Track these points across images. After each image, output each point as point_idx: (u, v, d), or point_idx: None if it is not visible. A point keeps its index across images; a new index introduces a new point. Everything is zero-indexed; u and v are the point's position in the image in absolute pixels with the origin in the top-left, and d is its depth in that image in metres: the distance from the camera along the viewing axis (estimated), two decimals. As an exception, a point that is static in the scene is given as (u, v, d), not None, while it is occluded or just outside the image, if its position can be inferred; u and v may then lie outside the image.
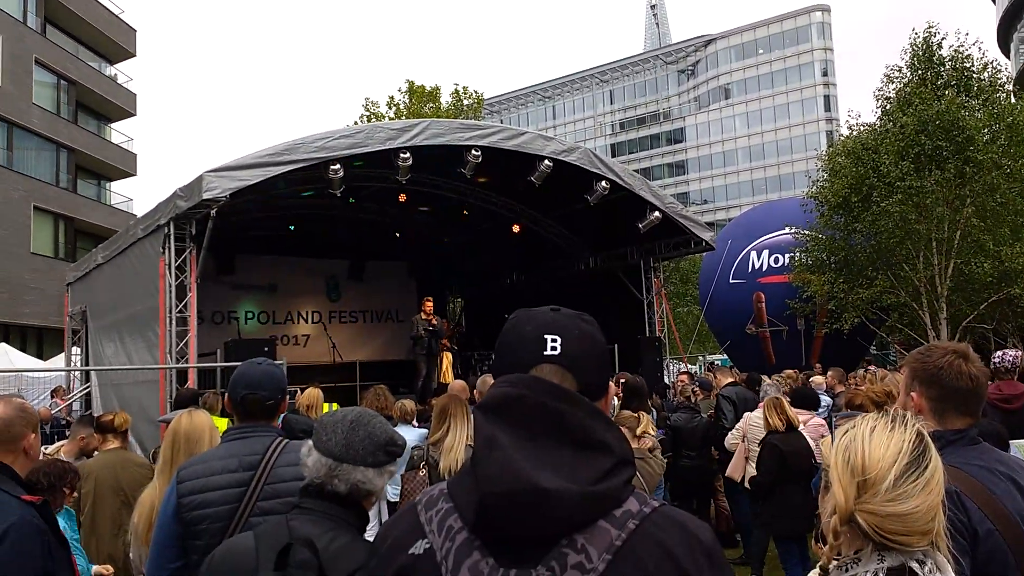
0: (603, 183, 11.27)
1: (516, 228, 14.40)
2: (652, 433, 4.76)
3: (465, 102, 28.83)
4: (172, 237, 9.06)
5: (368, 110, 28.40)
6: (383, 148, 9.52)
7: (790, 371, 10.45)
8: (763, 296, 19.17)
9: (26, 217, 25.46)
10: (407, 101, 27.90)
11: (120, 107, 31.83)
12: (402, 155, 9.73)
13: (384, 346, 16.86)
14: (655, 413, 7.30)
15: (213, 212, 8.69)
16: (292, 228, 14.44)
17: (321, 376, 12.84)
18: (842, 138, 18.08)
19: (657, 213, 11.88)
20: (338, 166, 9.30)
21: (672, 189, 69.36)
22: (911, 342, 16.85)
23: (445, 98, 28.87)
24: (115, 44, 31.22)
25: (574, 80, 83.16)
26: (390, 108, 28.13)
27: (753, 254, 19.65)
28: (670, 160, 76.78)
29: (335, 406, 8.02)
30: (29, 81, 25.97)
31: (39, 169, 26.74)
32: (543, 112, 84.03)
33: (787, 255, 18.55)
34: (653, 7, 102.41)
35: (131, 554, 3.00)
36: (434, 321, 12.57)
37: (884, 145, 15.21)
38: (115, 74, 32.46)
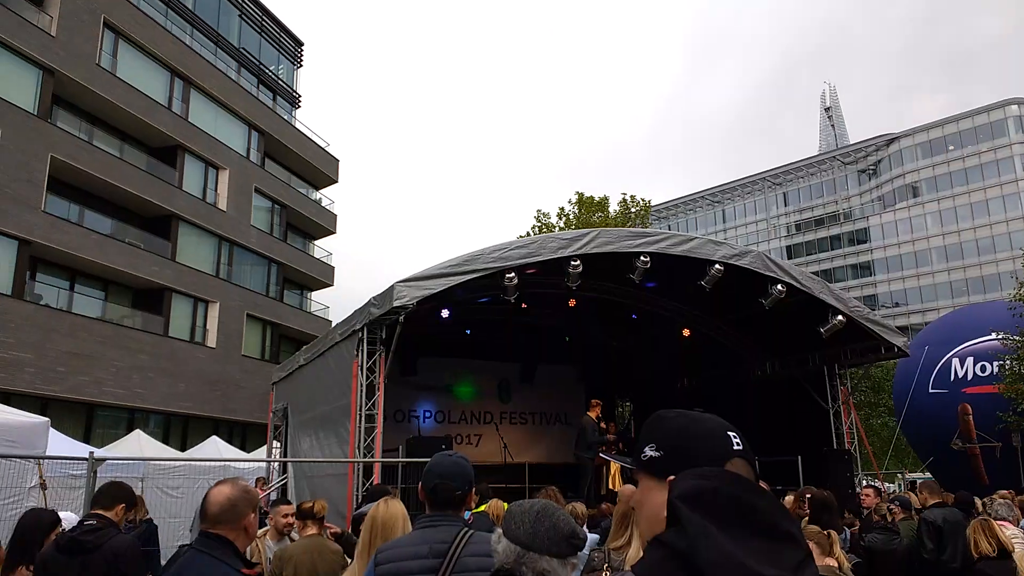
0: (779, 286, 10.95)
1: (686, 332, 14.22)
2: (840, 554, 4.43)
3: (632, 210, 29.40)
4: (365, 341, 9.89)
5: (539, 220, 29.72)
6: (554, 257, 9.96)
7: (1005, 491, 9.23)
8: (969, 408, 17.22)
9: (240, 324, 28.72)
10: (576, 211, 28.94)
11: (323, 226, 35.63)
12: (572, 263, 10.11)
13: (552, 449, 16.93)
14: (847, 532, 6.72)
15: (401, 318, 9.44)
16: (468, 332, 15.18)
17: (492, 475, 13.07)
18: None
19: (840, 317, 11.29)
20: (513, 274, 9.83)
21: (858, 291, 65.12)
22: None
23: (613, 207, 29.64)
24: (321, 173, 35.37)
25: (744, 184, 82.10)
26: (560, 218, 29.26)
27: (955, 361, 17.86)
28: (853, 261, 72.60)
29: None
30: (249, 207, 29.91)
31: (253, 281, 30.28)
32: (712, 216, 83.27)
33: (995, 363, 16.69)
34: (828, 110, 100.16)
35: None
36: (603, 427, 12.53)
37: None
38: (320, 198, 36.57)
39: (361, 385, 9.88)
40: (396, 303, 9.03)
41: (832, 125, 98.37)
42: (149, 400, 24.21)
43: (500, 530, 1.91)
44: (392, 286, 9.16)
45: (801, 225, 77.75)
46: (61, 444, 9.88)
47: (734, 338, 14.23)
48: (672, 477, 1.27)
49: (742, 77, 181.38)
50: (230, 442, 22.65)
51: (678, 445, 1.32)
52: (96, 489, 4.01)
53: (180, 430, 25.82)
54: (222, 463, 15.48)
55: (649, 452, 1.37)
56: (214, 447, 18.78)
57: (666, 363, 16.35)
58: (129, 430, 22.34)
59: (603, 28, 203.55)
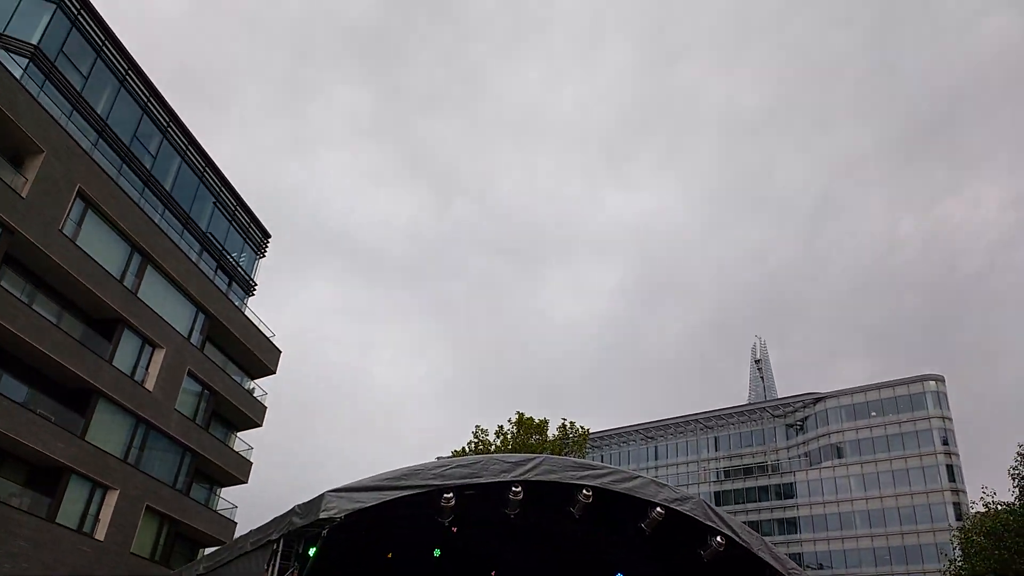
0: (718, 538, 10.70)
1: (619, 575, 13.51)
2: None
3: (571, 436, 29.34)
4: (279, 555, 9.08)
5: (477, 437, 29.28)
6: (497, 480, 9.64)
7: None
8: None
9: (136, 516, 26.31)
10: (515, 432, 28.71)
11: (250, 418, 34.24)
12: (514, 489, 9.78)
13: None
14: None
15: (324, 532, 8.76)
16: (390, 556, 14.12)
17: None
18: (977, 515, 16.74)
19: (778, 577, 10.96)
20: (451, 495, 9.40)
21: (784, 548, 64.21)
22: None
23: (552, 431, 29.56)
24: (260, 362, 34.72)
25: (678, 423, 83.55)
26: (498, 437, 28.91)
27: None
28: (780, 516, 72.50)
29: None
30: (177, 390, 28.72)
31: (161, 470, 28.23)
32: (645, 452, 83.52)
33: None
34: (758, 362, 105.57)
35: None
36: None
37: (1029, 526, 13.93)
38: (253, 387, 35.53)
39: (265, 604, 8.91)
40: (323, 515, 8.42)
41: (761, 377, 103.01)
42: (13, 594, 21.29)
43: None
44: (322, 495, 8.61)
45: (730, 472, 78.31)
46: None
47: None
48: None
49: (682, 320, 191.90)
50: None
51: None
52: None
53: (39, 634, 22.50)
54: None
55: None
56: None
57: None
58: (-22, 628, 19.40)
59: (554, 256, 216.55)
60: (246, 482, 34.25)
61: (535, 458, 10.22)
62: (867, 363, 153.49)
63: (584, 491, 10.14)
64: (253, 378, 35.75)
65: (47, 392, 24.05)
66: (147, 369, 27.47)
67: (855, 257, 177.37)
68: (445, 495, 9.40)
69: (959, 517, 58.67)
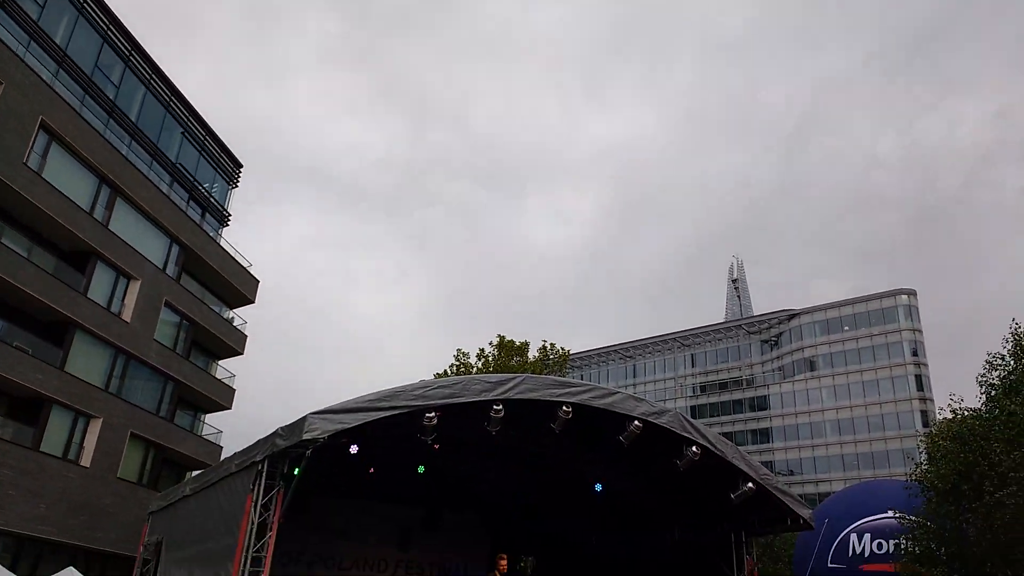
0: (693, 448, 11.02)
1: (599, 487, 13.98)
2: None
3: (551, 357, 29.80)
4: (264, 475, 9.24)
5: (459, 360, 29.63)
6: (478, 399, 9.79)
7: None
8: (868, 585, 17.38)
9: (122, 443, 26.57)
10: (496, 354, 29.07)
11: (230, 346, 34.25)
12: (495, 407, 9.95)
13: (452, 606, 15.88)
14: None
15: (308, 453, 8.90)
16: (372, 471, 14.45)
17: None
18: (944, 420, 17.39)
19: (751, 484, 11.37)
20: (433, 414, 9.55)
21: (756, 457, 66.41)
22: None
23: (532, 353, 29.97)
24: (239, 292, 34.48)
25: (656, 342, 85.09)
26: (479, 359, 29.29)
27: (854, 537, 18.17)
28: (754, 427, 75.02)
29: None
30: (155, 320, 28.58)
31: (144, 398, 28.37)
32: (624, 370, 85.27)
33: (892, 541, 17.07)
34: (735, 281, 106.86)
35: None
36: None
37: (993, 432, 14.50)
38: (232, 317, 35.42)
39: (252, 523, 9.13)
40: (306, 436, 8.54)
41: (738, 296, 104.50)
42: (3, 520, 21.64)
43: None
44: (304, 417, 8.70)
45: (706, 387, 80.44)
46: None
47: (647, 499, 14.08)
48: None
49: (661, 242, 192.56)
50: (87, 576, 20.29)
51: None
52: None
53: (32, 557, 23.00)
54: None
55: None
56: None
57: (577, 520, 15.93)
58: (-28, 554, 19.79)
59: (532, 181, 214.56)
60: (230, 408, 34.57)
61: (515, 377, 10.36)
62: (844, 283, 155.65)
63: (564, 408, 10.33)
64: (231, 308, 35.60)
65: (23, 326, 23.82)
66: (123, 301, 27.22)
67: (836, 177, 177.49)
68: (427, 415, 9.54)
69: (926, 424, 61.13)
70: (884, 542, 17.36)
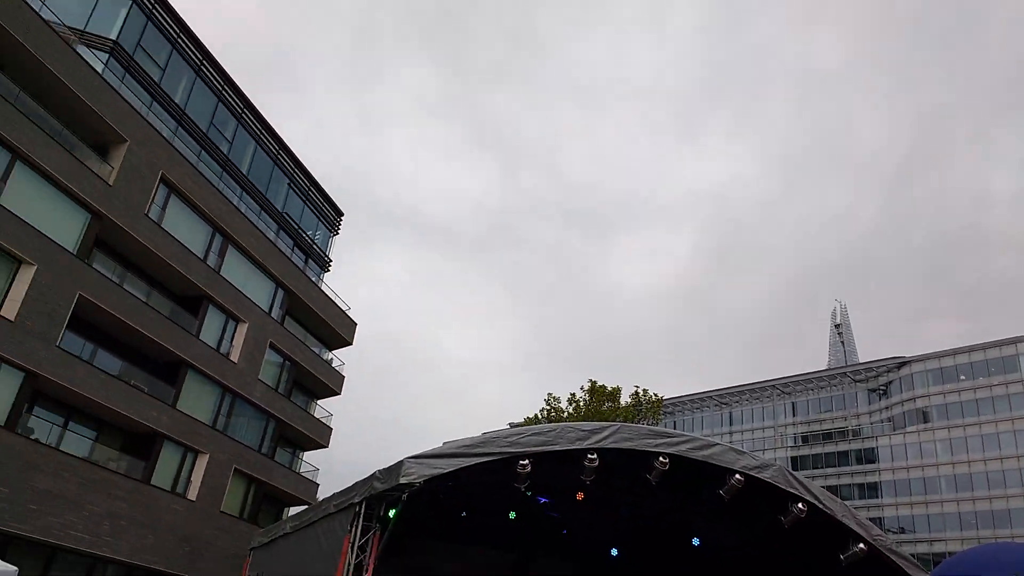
0: (799, 504, 10.50)
1: (697, 541, 13.47)
2: None
3: (644, 403, 29.21)
4: (362, 516, 9.40)
5: (549, 404, 29.45)
6: (572, 448, 9.68)
7: None
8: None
9: (226, 478, 27.66)
10: (587, 399, 28.74)
11: (329, 387, 35.37)
12: (589, 456, 9.81)
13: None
14: None
15: (404, 496, 9.01)
16: (464, 515, 14.43)
17: None
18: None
19: (862, 545, 10.70)
20: (527, 462, 9.50)
21: (864, 513, 62.56)
22: None
23: (624, 398, 29.47)
24: (337, 335, 35.74)
25: (754, 389, 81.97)
26: (570, 404, 29.02)
27: (978, 606, 16.61)
28: (861, 480, 70.65)
29: None
30: (260, 360, 29.91)
31: (248, 435, 29.54)
32: (719, 417, 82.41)
33: (1026, 613, 15.48)
34: (838, 326, 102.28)
35: None
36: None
37: None
38: (331, 358, 36.63)
39: (349, 564, 9.26)
40: (403, 480, 8.67)
41: (842, 342, 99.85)
42: (115, 550, 22.80)
43: None
44: (401, 461, 8.84)
45: (808, 437, 76.56)
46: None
47: (750, 555, 13.43)
48: None
49: (759, 284, 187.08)
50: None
51: None
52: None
53: (140, 587, 24.07)
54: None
55: None
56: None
57: (674, 572, 15.34)
58: (85, 580, 20.88)
59: (624, 223, 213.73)
60: (327, 446, 35.52)
61: (611, 426, 10.21)
62: (956, 324, 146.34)
63: (660, 458, 10.08)
64: (331, 349, 36.84)
65: (140, 365, 25.36)
66: (232, 342, 28.64)
67: (942, 215, 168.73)
68: (521, 462, 9.50)
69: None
70: (1015, 614, 15.79)
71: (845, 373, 78.16)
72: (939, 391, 68.34)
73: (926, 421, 68.61)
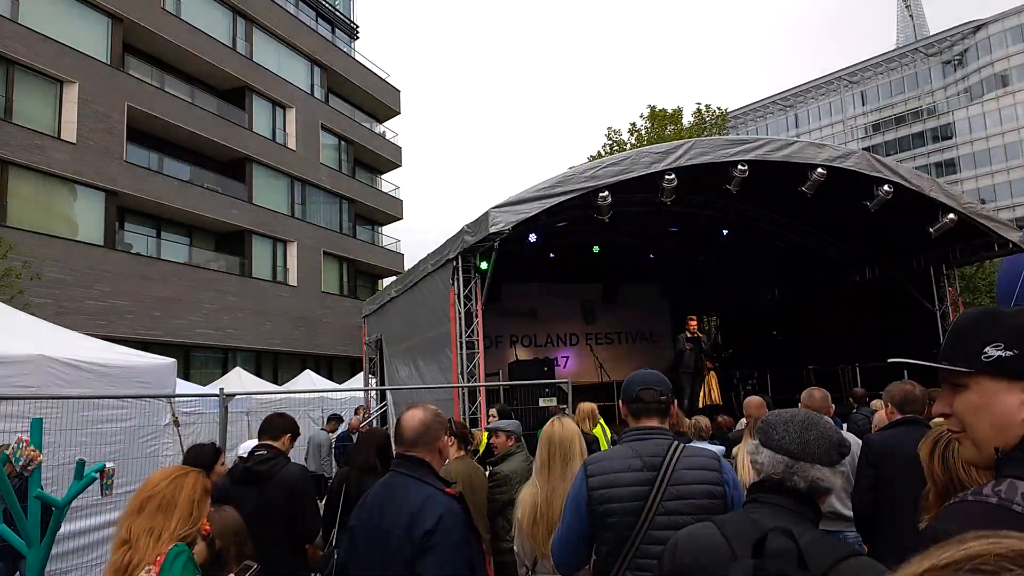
0: (886, 187, 10.37)
1: (780, 243, 13.75)
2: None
3: (707, 120, 28.27)
4: (460, 269, 9.89)
5: (611, 139, 28.92)
6: (648, 172, 9.63)
7: None
8: (1084, 306, 16.31)
9: (318, 261, 29.36)
10: (649, 126, 27.98)
11: (389, 160, 35.68)
12: (667, 177, 9.77)
13: (643, 366, 16.83)
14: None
15: (496, 244, 9.35)
16: (552, 256, 15.02)
17: (588, 396, 13.15)
18: None
19: (952, 215, 10.68)
20: (606, 193, 9.57)
21: (941, 192, 61.93)
22: None
23: (687, 118, 28.54)
24: (383, 105, 35.18)
25: (818, 85, 77.88)
26: (631, 134, 28.39)
27: (1066, 257, 16.79)
28: (937, 159, 68.84)
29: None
30: (317, 145, 30.09)
31: (326, 219, 30.75)
32: (784, 122, 79.73)
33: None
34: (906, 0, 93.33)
35: (515, 546, 3.28)
36: (702, 337, 12.41)
37: None
38: (383, 131, 36.49)
39: (459, 313, 9.94)
40: (492, 229, 8.93)
41: (911, 16, 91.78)
42: (240, 339, 25.21)
43: (756, 441, 1.80)
44: (487, 212, 9.05)
45: (880, 125, 73.75)
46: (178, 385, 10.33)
47: (832, 245, 13.70)
48: None
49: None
50: (318, 375, 23.54)
51: None
52: (263, 422, 4.12)
53: (271, 366, 26.91)
54: (319, 394, 16.03)
55: (993, 352, 1.28)
56: (309, 380, 19.51)
57: (756, 276, 15.94)
58: (223, 369, 23.41)
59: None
60: (401, 219, 36.79)
61: (685, 143, 10.01)
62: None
63: (739, 167, 9.95)
64: (380, 122, 36.55)
65: (205, 167, 26.01)
66: (284, 130, 28.72)
67: None
68: (601, 194, 9.57)
69: None
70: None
71: (916, 49, 72.77)
72: (1019, 50, 63.30)
73: (1005, 85, 64.53)
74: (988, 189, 65.23)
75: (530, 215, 9.20)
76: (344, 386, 19.24)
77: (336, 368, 29.05)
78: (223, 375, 19.90)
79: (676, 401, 2.60)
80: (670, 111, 28.17)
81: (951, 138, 68.43)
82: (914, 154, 70.36)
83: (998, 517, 1.15)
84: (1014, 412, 1.25)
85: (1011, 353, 1.25)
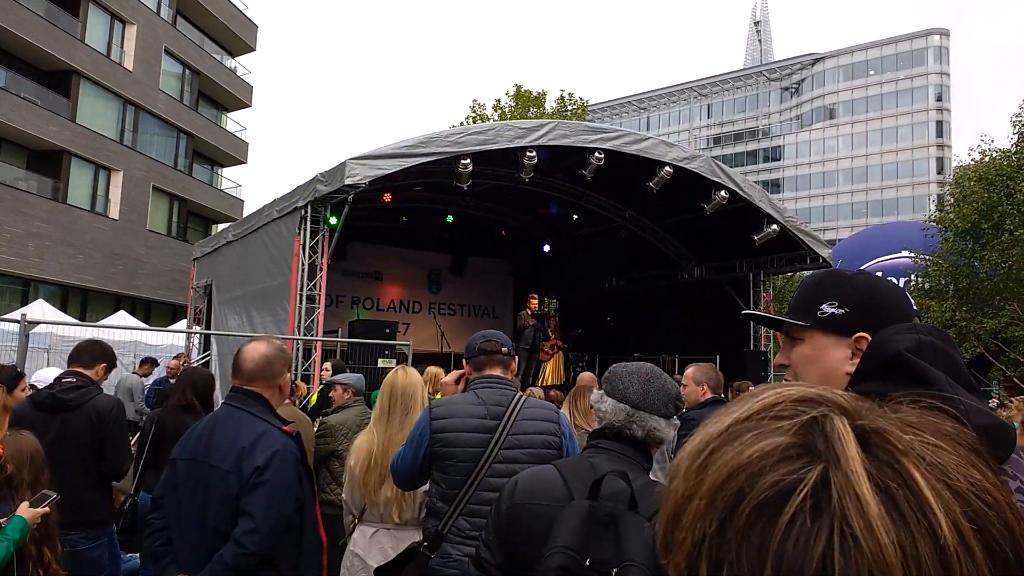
0: (722, 192, 11.17)
1: (622, 235, 14.42)
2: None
3: (569, 108, 28.95)
4: (308, 219, 9.51)
5: (475, 111, 28.85)
6: (512, 146, 9.74)
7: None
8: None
9: (145, 196, 27.07)
10: (513, 105, 28.22)
11: (237, 98, 33.43)
12: (528, 154, 9.92)
13: (481, 341, 17.17)
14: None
15: (350, 198, 9.08)
16: (406, 220, 14.81)
17: (427, 363, 13.17)
18: (973, 162, 17.29)
19: (775, 226, 11.70)
20: (468, 161, 9.57)
21: (765, 208, 67.61)
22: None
23: (550, 103, 29.05)
24: (237, 38, 32.85)
25: (672, 92, 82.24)
26: (496, 110, 28.50)
27: (863, 276, 18.96)
28: (766, 177, 74.89)
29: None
30: (158, 69, 27.62)
31: (160, 151, 28.38)
32: (637, 123, 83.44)
33: (903, 279, 17.85)
34: (757, 23, 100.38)
35: (344, 494, 3.21)
36: (553, 322, 12.80)
37: (1021, 172, 14.52)
38: (235, 66, 34.13)
39: (303, 264, 9.58)
40: (347, 181, 8.66)
41: (760, 40, 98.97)
42: (46, 271, 22.80)
43: (602, 391, 1.87)
44: (344, 163, 8.75)
45: (721, 139, 79.18)
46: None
47: (667, 242, 14.56)
48: (861, 334, 1.30)
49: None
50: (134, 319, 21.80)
51: (867, 303, 1.31)
52: (74, 348, 3.74)
53: (79, 304, 24.58)
54: (132, 337, 14.82)
55: (828, 309, 1.36)
56: (123, 321, 18.00)
57: (599, 263, 16.61)
58: (24, 302, 21.06)
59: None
60: (245, 162, 34.70)
61: (549, 123, 10.22)
62: (879, 20, 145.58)
63: (596, 154, 10.30)
64: (233, 56, 34.15)
65: (25, 75, 23.12)
66: (122, 47, 26.10)
67: None
68: (463, 160, 9.56)
69: (941, 171, 61.05)
70: (895, 279, 18.21)
71: (761, 72, 78.72)
72: (847, 87, 70.20)
73: (832, 118, 71.40)
74: (805, 211, 72.02)
75: (389, 172, 9.01)
76: (164, 329, 17.94)
77: (156, 314, 27.04)
78: (21, 308, 17.90)
79: (516, 358, 2.64)
80: (535, 93, 28.60)
81: (779, 160, 74.83)
82: (746, 170, 76.18)
83: None
84: (839, 365, 1.33)
85: (843, 311, 1.33)
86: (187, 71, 29.82)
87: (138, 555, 3.94)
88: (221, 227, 31.16)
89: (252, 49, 34.19)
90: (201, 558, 2.34)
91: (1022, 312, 15.05)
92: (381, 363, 9.32)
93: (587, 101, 30.48)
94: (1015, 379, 17.57)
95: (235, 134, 34.13)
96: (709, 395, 4.44)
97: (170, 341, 15.35)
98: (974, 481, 0.42)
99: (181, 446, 2.49)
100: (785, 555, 0.41)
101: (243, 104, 34.25)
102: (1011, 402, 6.98)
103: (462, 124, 27.80)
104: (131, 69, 26.12)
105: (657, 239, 14.54)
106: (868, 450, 0.44)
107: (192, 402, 3.96)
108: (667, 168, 10.71)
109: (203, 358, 13.33)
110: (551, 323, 14.46)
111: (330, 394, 5.10)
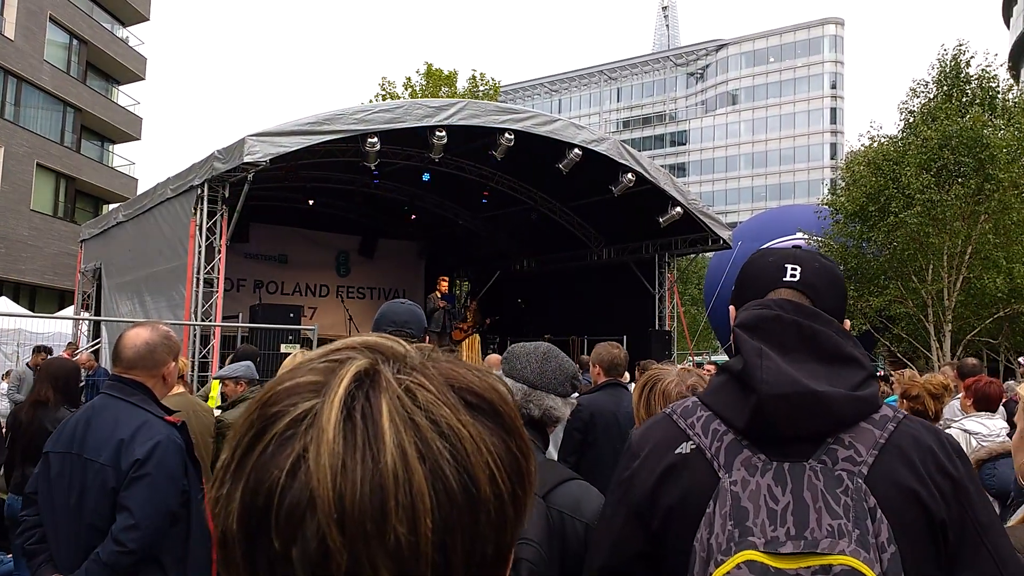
0: (629, 175, 11.36)
1: (533, 216, 14.48)
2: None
3: (481, 88, 28.75)
4: (205, 199, 9.09)
5: (384, 89, 28.24)
6: (420, 125, 9.58)
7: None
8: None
9: (29, 174, 25.28)
10: (424, 84, 27.78)
11: (130, 70, 31.57)
12: (438, 133, 9.79)
13: (392, 324, 16.93)
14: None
15: (250, 176, 8.72)
16: (311, 203, 14.35)
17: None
18: (863, 147, 18.25)
19: (679, 209, 12.01)
20: (375, 140, 9.35)
21: (672, 191, 69.52)
22: (912, 353, 17.15)
23: (462, 83, 28.77)
24: (130, 6, 30.97)
25: (582, 75, 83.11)
26: (406, 89, 27.98)
27: (762, 257, 19.76)
28: (672, 161, 77.01)
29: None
30: (42, 38, 25.74)
31: (44, 126, 26.52)
32: (549, 105, 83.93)
33: (797, 260, 18.64)
34: (665, 8, 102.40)
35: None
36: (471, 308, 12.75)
37: (906, 157, 15.42)
38: (127, 36, 32.19)
39: (199, 247, 9.16)
40: (247, 159, 8.31)
41: (667, 26, 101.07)
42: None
43: (500, 372, 1.85)
44: (243, 139, 8.38)
45: (630, 122, 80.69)
46: None
47: (577, 223, 14.73)
48: (731, 307, 1.38)
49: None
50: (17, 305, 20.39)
51: (739, 279, 1.39)
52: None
53: (-46, 289, 22.79)
54: (16, 325, 13.88)
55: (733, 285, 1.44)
56: (5, 308, 16.80)
57: (510, 244, 16.65)
58: None
59: None
60: (139, 139, 32.92)
61: (459, 102, 10.10)
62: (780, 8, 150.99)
63: (506, 135, 10.27)
64: (125, 26, 32.18)
65: None
66: (2, 14, 24.14)
67: None
68: (369, 139, 9.33)
69: (834, 156, 64.33)
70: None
71: (668, 57, 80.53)
72: (749, 73, 72.80)
73: (734, 104, 73.92)
74: (708, 195, 74.52)
75: (291, 149, 8.71)
76: (49, 316, 16.84)
77: (41, 300, 25.37)
78: None
79: (427, 337, 2.57)
80: (447, 72, 28.25)
81: (685, 144, 77.02)
82: (653, 154, 77.97)
83: (658, 423, 1.30)
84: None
85: (732, 287, 1.42)
86: (75, 40, 27.92)
87: (11, 556, 3.69)
88: (112, 207, 29.54)
89: (146, 18, 32.38)
90: (79, 556, 2.20)
91: (905, 291, 16.09)
92: (284, 348, 9.05)
93: (499, 82, 30.37)
94: (898, 354, 18.81)
95: (127, 108, 32.27)
96: (603, 378, 4.26)
97: (57, 328, 14.42)
98: (451, 423, 0.46)
99: (54, 439, 2.32)
100: (254, 475, 0.45)
101: (136, 77, 32.40)
102: (893, 375, 7.44)
103: (371, 102, 27.17)
104: (12, 38, 24.22)
105: (567, 221, 14.69)
106: (373, 388, 0.47)
107: (48, 397, 3.73)
108: (576, 151, 10.80)
109: (94, 345, 12.60)
110: (472, 306, 14.42)
111: (222, 389, 4.89)
